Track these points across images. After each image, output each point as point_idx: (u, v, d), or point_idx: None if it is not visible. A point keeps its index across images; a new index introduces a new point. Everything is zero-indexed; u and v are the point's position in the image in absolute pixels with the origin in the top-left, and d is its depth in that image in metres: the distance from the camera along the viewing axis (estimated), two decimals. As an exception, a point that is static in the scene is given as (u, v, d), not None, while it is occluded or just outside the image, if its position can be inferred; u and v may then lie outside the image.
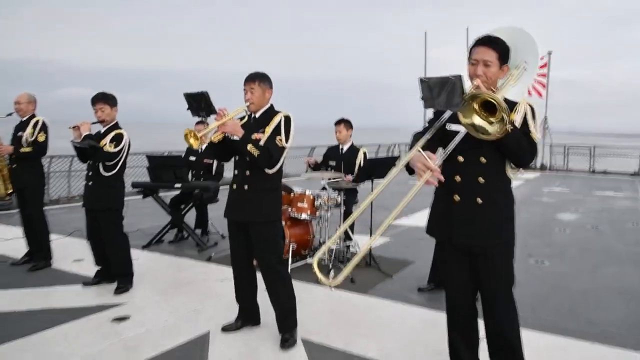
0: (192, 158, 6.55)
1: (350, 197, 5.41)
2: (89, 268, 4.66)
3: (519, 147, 2.24)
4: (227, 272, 4.93)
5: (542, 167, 18.91)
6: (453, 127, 2.40)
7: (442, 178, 2.14)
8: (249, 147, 3.07)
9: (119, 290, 4.26)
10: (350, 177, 5.22)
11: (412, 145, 2.36)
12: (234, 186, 3.32)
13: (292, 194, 5.20)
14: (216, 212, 7.02)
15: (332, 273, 4.69)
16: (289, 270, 4.37)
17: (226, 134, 3.15)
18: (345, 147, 5.58)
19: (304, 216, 5.04)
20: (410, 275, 4.91)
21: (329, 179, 5.12)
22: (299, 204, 5.05)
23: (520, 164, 2.33)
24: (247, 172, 3.24)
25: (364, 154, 5.52)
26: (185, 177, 6.00)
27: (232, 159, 3.41)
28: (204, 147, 6.46)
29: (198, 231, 6.43)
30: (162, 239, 6.21)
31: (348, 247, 5.27)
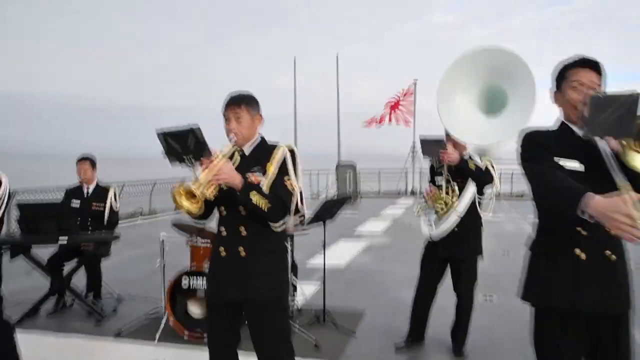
0: (76, 203, 5.19)
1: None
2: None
3: None
4: (151, 352, 3.86)
5: (413, 193, 19.86)
6: (567, 163, 1.89)
7: None
8: (255, 197, 2.23)
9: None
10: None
11: (553, 189, 1.80)
12: (222, 252, 2.41)
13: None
14: (106, 265, 5.65)
15: None
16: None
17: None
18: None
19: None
20: (372, 330, 4.34)
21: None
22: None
23: None
24: (243, 231, 2.38)
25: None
26: (72, 228, 4.68)
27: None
28: (91, 188, 5.27)
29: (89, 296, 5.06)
30: (36, 308, 4.75)
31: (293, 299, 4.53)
